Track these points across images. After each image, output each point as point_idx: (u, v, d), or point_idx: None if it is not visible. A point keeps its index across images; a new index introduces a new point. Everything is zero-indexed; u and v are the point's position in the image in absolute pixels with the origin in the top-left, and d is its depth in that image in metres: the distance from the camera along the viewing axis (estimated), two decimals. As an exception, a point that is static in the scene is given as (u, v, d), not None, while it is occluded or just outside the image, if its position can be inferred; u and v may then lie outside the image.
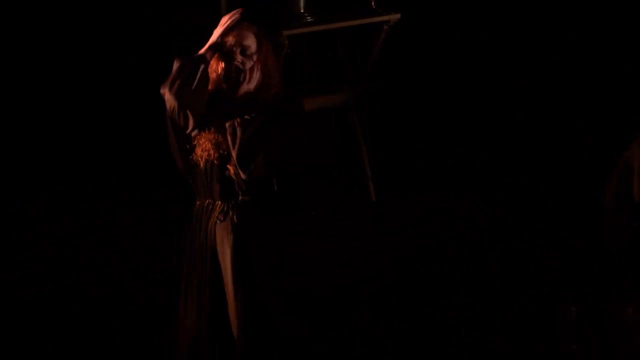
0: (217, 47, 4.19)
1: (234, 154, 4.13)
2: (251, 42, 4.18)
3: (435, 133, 7.29)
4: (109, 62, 7.06)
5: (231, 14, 4.21)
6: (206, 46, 4.21)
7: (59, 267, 5.83)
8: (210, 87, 4.22)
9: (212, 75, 4.21)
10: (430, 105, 7.34)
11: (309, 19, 6.46)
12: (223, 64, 4.19)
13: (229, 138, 4.15)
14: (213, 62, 4.21)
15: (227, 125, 4.16)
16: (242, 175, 4.15)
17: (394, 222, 6.57)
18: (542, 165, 7.00)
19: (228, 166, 4.21)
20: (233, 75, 4.18)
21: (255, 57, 4.18)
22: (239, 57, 4.17)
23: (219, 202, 4.24)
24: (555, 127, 7.09)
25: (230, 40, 4.16)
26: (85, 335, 5.25)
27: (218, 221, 4.23)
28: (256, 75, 4.20)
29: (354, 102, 7.05)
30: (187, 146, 4.24)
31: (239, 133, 4.12)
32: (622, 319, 4.71)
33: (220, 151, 4.19)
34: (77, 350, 5.13)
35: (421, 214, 6.63)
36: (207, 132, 4.20)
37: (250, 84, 4.20)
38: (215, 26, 4.33)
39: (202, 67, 4.13)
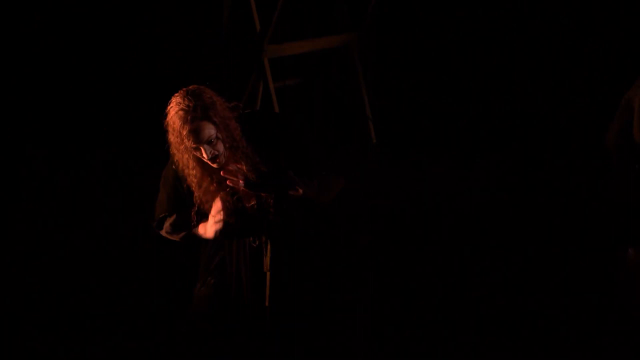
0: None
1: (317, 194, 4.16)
2: (209, 129, 4.08)
3: (436, 88, 7.25)
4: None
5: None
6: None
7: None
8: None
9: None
10: (432, 59, 7.29)
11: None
12: (199, 167, 4.15)
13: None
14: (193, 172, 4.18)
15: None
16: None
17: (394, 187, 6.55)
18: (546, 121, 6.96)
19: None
20: (217, 164, 4.15)
21: (220, 135, 4.09)
22: (208, 149, 4.09)
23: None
24: (557, 84, 7.04)
25: (190, 143, 4.07)
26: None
27: (253, 245, 4.27)
28: (230, 151, 4.14)
29: (355, 44, 7.02)
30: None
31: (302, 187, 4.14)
32: (623, 261, 4.67)
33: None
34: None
35: (420, 175, 6.61)
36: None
37: (232, 155, 4.16)
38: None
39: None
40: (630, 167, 4.70)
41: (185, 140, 4.04)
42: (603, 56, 6.85)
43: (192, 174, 4.16)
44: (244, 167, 4.12)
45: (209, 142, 4.07)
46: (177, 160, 4.16)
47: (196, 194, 4.20)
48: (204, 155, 4.07)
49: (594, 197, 5.73)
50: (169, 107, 4.08)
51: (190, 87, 4.09)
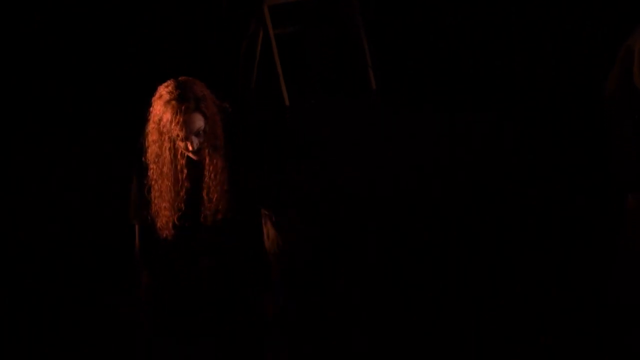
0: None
1: None
2: (200, 120, 4.10)
3: (437, 35, 7.23)
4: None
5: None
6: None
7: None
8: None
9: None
10: (434, 6, 7.27)
11: None
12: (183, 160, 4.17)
13: None
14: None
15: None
16: None
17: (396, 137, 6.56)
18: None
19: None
20: (198, 157, 4.17)
21: (207, 128, 4.11)
22: (195, 140, 4.11)
23: None
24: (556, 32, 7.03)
25: (182, 133, 4.07)
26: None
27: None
28: (212, 141, 4.16)
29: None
30: None
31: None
32: (622, 208, 4.68)
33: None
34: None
35: (420, 123, 6.62)
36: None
37: (216, 147, 4.17)
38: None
39: None
40: (630, 115, 4.70)
41: (176, 130, 4.02)
42: (602, 7, 6.85)
43: (167, 164, 4.15)
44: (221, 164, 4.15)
45: (197, 134, 4.09)
46: (151, 152, 4.16)
47: (155, 187, 4.20)
48: (190, 146, 4.08)
49: (593, 146, 5.74)
50: (156, 97, 4.07)
51: (181, 78, 4.09)
